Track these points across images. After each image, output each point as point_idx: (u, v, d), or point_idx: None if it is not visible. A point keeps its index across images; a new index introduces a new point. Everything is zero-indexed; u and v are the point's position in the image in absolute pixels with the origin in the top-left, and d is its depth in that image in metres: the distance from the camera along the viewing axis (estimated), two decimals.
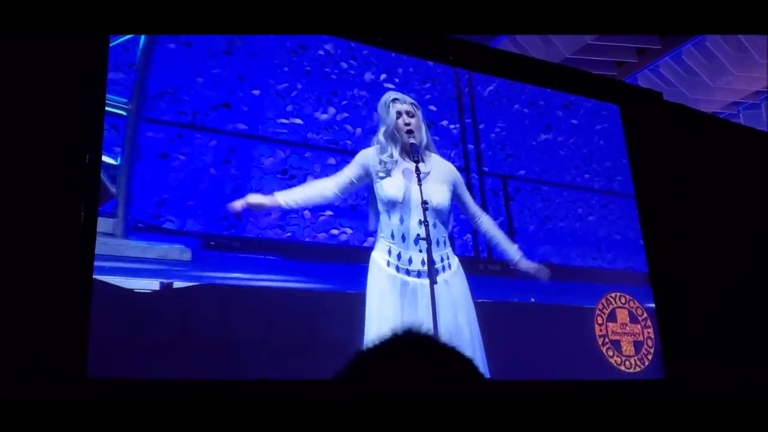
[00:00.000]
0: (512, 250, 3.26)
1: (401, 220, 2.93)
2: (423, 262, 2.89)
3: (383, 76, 3.28)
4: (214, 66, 2.85)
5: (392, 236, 2.92)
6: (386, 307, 2.83)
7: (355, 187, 2.96)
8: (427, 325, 2.81)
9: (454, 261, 3.04)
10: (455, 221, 3.14)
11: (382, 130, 3.08)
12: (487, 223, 3.19)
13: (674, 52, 6.28)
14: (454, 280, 2.99)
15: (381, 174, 2.97)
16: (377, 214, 2.98)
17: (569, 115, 3.85)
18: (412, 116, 3.07)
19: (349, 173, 2.96)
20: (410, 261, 2.90)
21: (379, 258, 2.90)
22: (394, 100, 3.09)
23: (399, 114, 3.06)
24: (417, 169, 2.94)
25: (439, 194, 3.00)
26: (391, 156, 3.00)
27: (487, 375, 2.96)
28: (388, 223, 2.94)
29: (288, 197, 2.81)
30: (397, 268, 2.89)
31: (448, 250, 3.02)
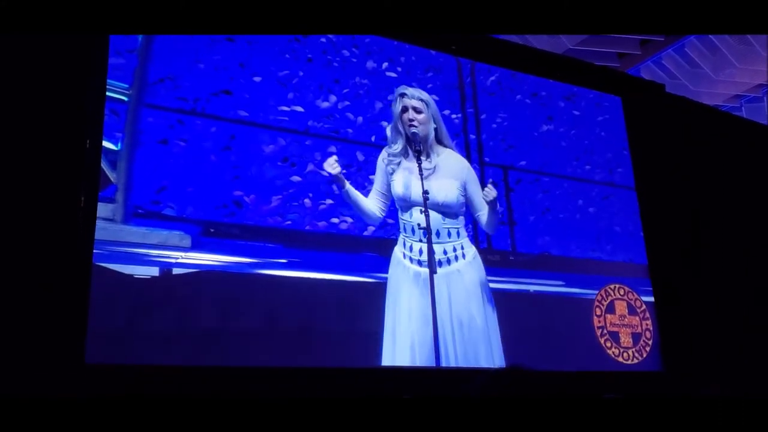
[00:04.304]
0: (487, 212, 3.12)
1: (410, 214, 3.01)
2: (433, 252, 2.94)
3: (385, 65, 3.27)
4: (215, 52, 2.83)
5: (405, 229, 3.02)
6: (401, 296, 2.94)
7: (389, 195, 3.05)
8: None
9: (470, 251, 3.09)
10: None
11: (391, 123, 3.11)
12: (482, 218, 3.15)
13: (677, 44, 6.27)
14: (467, 270, 3.06)
15: (391, 169, 3.05)
16: (394, 210, 3.06)
17: (571, 107, 3.84)
18: (419, 112, 3.08)
19: (377, 186, 3.04)
20: (420, 252, 2.96)
21: (398, 251, 3.01)
22: (402, 94, 3.11)
23: (405, 109, 3.07)
24: (418, 160, 2.97)
25: (444, 189, 3.03)
26: (397, 148, 3.07)
27: (504, 364, 3.00)
28: (401, 218, 3.04)
29: (352, 189, 2.97)
30: (411, 260, 2.98)
31: (462, 240, 3.07)
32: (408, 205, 3.01)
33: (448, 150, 3.16)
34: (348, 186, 2.94)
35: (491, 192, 3.06)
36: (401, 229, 3.03)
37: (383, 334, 2.85)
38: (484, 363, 2.97)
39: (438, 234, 2.99)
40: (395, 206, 3.06)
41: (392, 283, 2.96)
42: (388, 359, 2.82)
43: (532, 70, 3.76)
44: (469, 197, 3.12)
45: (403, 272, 2.97)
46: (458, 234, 3.06)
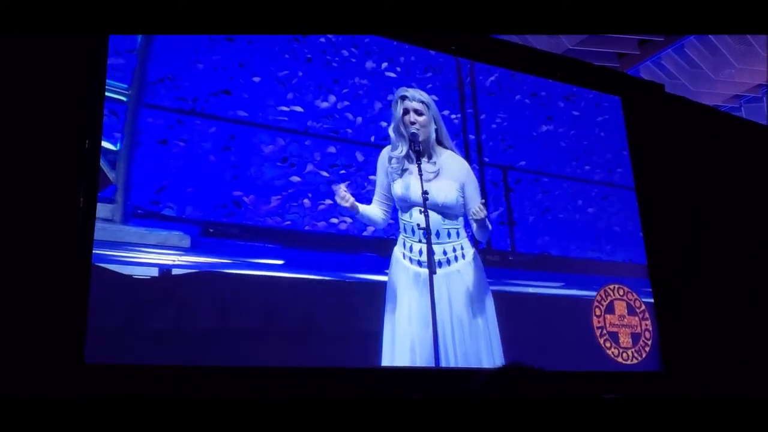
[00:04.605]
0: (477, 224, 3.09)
1: (410, 215, 3.02)
2: (433, 253, 2.94)
3: (384, 65, 3.27)
4: (214, 52, 2.83)
5: (405, 230, 3.03)
6: (401, 297, 2.94)
7: (392, 197, 3.05)
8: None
9: (469, 252, 3.10)
10: None
11: (392, 125, 3.11)
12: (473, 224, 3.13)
13: (677, 44, 6.27)
14: (467, 270, 3.07)
15: (394, 176, 3.05)
16: (394, 210, 3.06)
17: (570, 107, 3.84)
18: (421, 114, 3.08)
19: (380, 189, 3.05)
20: (420, 252, 2.96)
21: (398, 252, 3.01)
22: (403, 97, 3.11)
23: (406, 111, 3.07)
24: (418, 160, 2.97)
25: (444, 190, 3.04)
26: (401, 152, 3.06)
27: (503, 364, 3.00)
28: (401, 218, 3.04)
29: (365, 210, 2.99)
30: (411, 260, 2.98)
31: (462, 241, 3.08)
32: (408, 205, 3.02)
33: (449, 152, 3.16)
34: (361, 209, 2.95)
35: (480, 213, 3.02)
36: (401, 230, 3.03)
37: (383, 335, 2.85)
38: (484, 363, 2.97)
39: (438, 234, 3.00)
40: (395, 206, 3.06)
41: (392, 283, 2.96)
42: (387, 360, 2.82)
43: (532, 70, 3.76)
44: (465, 200, 3.12)
45: (402, 273, 2.97)
46: (458, 234, 3.07)
